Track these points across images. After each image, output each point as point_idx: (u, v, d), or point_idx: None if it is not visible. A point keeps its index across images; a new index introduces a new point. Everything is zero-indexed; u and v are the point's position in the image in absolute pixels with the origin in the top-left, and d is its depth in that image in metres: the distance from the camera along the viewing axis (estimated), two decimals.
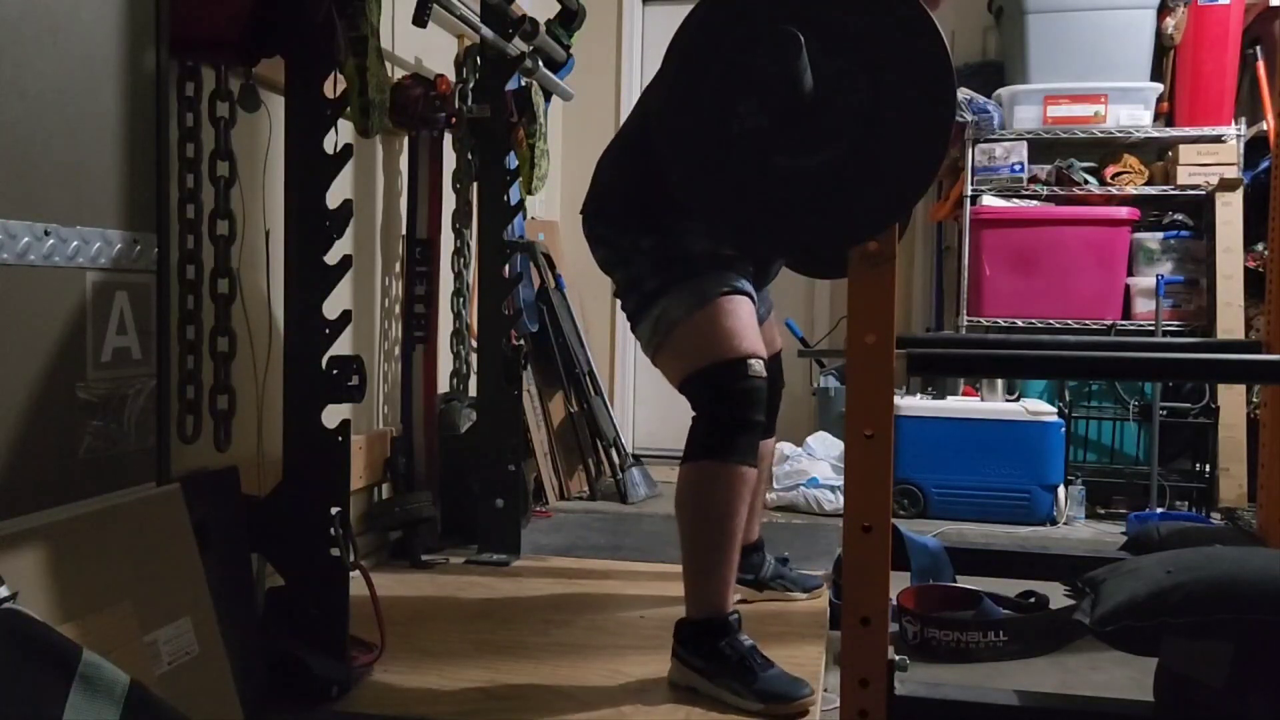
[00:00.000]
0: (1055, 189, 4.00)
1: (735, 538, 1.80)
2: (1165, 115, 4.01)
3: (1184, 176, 3.90)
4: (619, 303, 1.98)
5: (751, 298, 1.87)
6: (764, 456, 2.21)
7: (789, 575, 2.35)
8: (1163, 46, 3.97)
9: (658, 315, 1.84)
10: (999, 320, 3.99)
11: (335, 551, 1.75)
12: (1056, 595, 2.44)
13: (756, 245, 1.78)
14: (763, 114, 1.42)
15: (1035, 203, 4.01)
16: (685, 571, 1.84)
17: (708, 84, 1.45)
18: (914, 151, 1.38)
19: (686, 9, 1.49)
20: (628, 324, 1.95)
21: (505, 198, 2.86)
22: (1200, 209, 3.96)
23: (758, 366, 1.78)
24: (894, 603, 2.26)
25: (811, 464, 3.86)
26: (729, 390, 1.77)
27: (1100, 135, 3.96)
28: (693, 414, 1.85)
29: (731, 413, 1.78)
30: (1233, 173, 3.83)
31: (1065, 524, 3.60)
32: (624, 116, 4.79)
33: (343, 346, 1.80)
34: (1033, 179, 4.01)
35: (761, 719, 1.70)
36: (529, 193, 2.98)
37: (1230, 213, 3.78)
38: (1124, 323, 3.92)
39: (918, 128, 1.37)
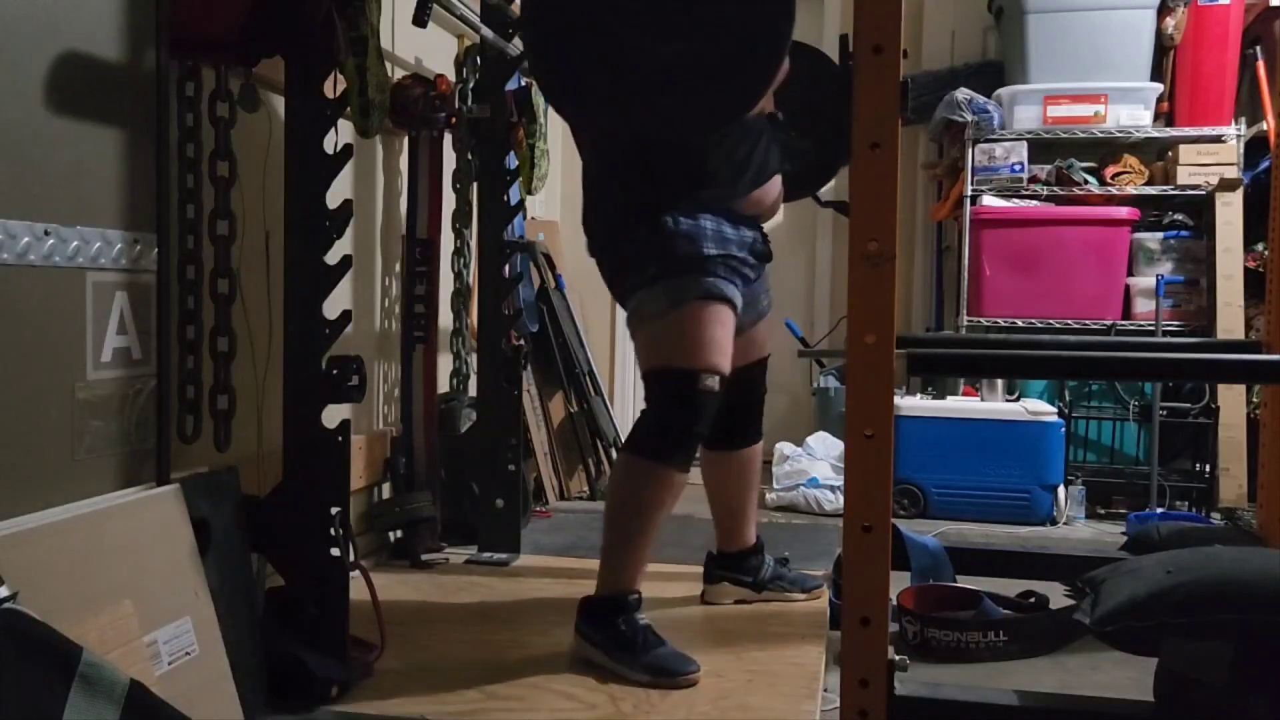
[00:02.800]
0: (1055, 189, 3.99)
1: (655, 529, 1.90)
2: (1165, 115, 4.00)
3: (1184, 176, 3.89)
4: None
5: (733, 306, 1.91)
6: (751, 460, 2.26)
7: (788, 576, 2.35)
8: (1163, 46, 3.96)
9: (634, 306, 1.93)
10: (999, 320, 3.99)
11: (335, 551, 1.75)
12: (1056, 595, 2.44)
13: (605, 121, 1.84)
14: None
15: (1035, 203, 4.01)
16: (602, 551, 1.93)
17: None
18: (753, 52, 1.59)
19: None
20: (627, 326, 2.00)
21: (505, 198, 2.86)
22: (1200, 209, 3.95)
23: (711, 382, 1.85)
24: (894, 603, 2.26)
25: (811, 464, 3.85)
26: (678, 398, 1.86)
27: (1100, 135, 3.96)
28: (643, 405, 1.93)
29: (676, 420, 1.87)
30: (1233, 173, 3.82)
31: (1065, 524, 3.60)
32: None
33: (343, 346, 1.80)
34: (1033, 179, 4.01)
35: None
36: (529, 193, 2.99)
37: (1230, 213, 3.78)
38: (1124, 323, 3.91)
39: (759, 34, 1.58)
